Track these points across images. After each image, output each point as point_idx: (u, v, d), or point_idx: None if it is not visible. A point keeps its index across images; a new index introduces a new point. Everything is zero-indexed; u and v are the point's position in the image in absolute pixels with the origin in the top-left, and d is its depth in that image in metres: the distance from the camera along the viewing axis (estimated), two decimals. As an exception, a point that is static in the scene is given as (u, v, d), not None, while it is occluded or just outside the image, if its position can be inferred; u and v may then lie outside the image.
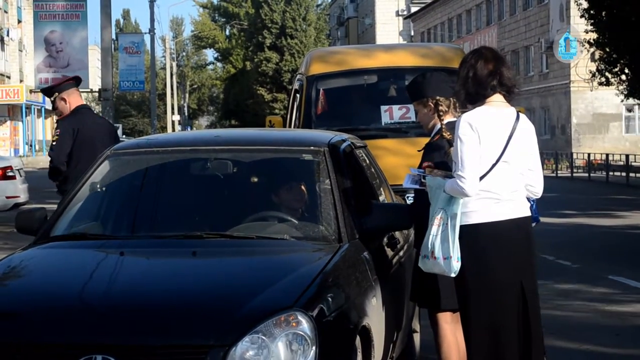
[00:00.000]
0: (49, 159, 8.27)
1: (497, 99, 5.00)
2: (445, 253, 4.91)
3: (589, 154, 37.02)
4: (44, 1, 36.91)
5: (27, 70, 62.06)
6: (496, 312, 4.94)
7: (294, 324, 4.07)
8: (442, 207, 4.96)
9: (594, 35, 27.67)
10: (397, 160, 9.10)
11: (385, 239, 5.56)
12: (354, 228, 5.15)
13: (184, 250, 4.92)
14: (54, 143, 8.14)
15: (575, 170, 37.22)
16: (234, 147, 5.76)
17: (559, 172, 38.37)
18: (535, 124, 43.75)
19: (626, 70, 26.85)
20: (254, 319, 4.05)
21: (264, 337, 4.01)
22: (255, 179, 5.70)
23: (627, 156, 33.28)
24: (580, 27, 35.48)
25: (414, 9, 75.27)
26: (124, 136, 63.28)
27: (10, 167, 17.26)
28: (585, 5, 27.16)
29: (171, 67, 76.21)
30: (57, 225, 5.34)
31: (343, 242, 5.01)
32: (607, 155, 34.59)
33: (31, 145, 61.53)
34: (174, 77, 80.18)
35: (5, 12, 60.80)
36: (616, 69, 27.21)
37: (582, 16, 28.01)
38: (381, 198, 6.17)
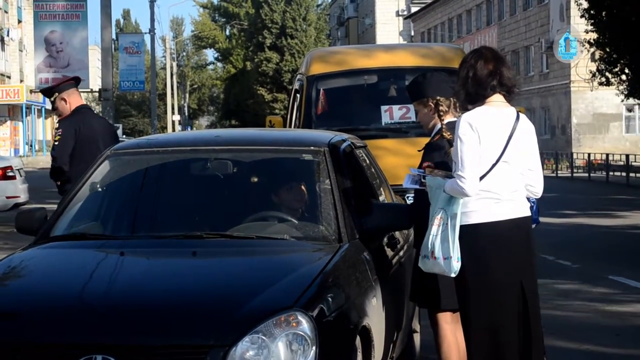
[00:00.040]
0: (51, 159, 8.27)
1: (497, 99, 5.00)
2: (445, 253, 4.91)
3: (589, 154, 37.03)
4: (44, 1, 36.91)
5: (28, 70, 62.08)
6: (496, 312, 4.94)
7: (294, 324, 4.07)
8: (442, 207, 4.96)
9: (594, 35, 27.68)
10: (397, 160, 9.10)
11: (385, 239, 5.56)
12: (354, 228, 5.15)
13: (184, 250, 4.92)
14: (56, 143, 8.15)
15: (575, 170, 37.22)
16: (234, 147, 5.76)
17: (559, 172, 38.38)
18: (536, 124, 43.75)
19: (626, 70, 26.85)
20: (254, 319, 4.05)
21: (264, 337, 4.01)
22: (256, 179, 5.70)
23: (627, 156, 33.28)
24: (580, 27, 35.48)
25: (414, 9, 75.27)
26: (124, 136, 63.32)
27: (10, 167, 17.26)
28: (585, 5, 27.16)
29: (171, 67, 76.22)
30: (57, 225, 5.35)
31: (343, 242, 5.01)
32: (607, 155, 34.59)
33: (31, 146, 61.54)
34: (174, 77, 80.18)
35: (6, 12, 60.81)
36: (616, 69, 27.22)
37: (582, 16, 28.02)
38: (381, 198, 6.17)
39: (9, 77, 60.63)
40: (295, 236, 5.09)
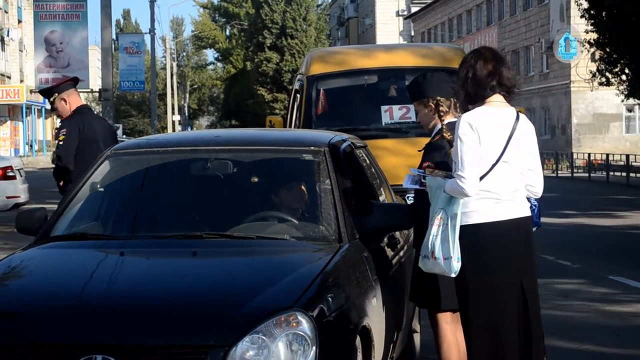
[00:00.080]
0: (56, 158, 8.27)
1: (497, 99, 5.00)
2: (445, 253, 4.91)
3: (589, 154, 37.03)
4: (44, 1, 36.91)
5: (28, 71, 62.08)
6: (496, 312, 4.94)
7: (294, 324, 4.07)
8: (442, 207, 4.96)
9: (594, 36, 27.68)
10: (397, 160, 9.10)
11: (385, 239, 5.56)
12: (354, 228, 5.15)
13: (184, 251, 4.92)
14: (60, 143, 8.17)
15: (575, 170, 37.22)
16: (234, 147, 5.76)
17: (559, 172, 38.37)
18: (536, 124, 43.77)
19: (626, 71, 26.85)
20: (254, 319, 4.05)
21: (264, 337, 4.01)
22: (256, 179, 5.70)
23: (627, 156, 33.27)
24: (580, 27, 35.49)
25: (414, 9, 75.27)
26: (124, 136, 63.32)
27: (10, 167, 17.26)
28: (585, 5, 27.16)
29: (171, 67, 76.22)
30: (58, 225, 5.35)
31: (343, 242, 5.01)
32: (608, 155, 34.59)
33: (31, 146, 61.55)
34: (174, 77, 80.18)
35: (6, 12, 60.82)
36: (616, 69, 27.22)
37: (582, 16, 28.02)
38: (381, 198, 6.17)
39: (9, 77, 60.63)
40: (295, 236, 5.09)
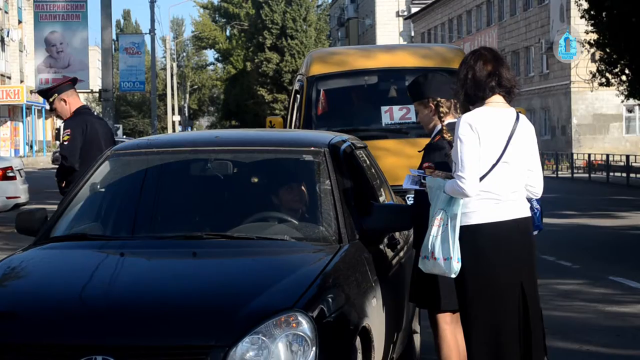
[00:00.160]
0: (62, 158, 8.27)
1: (496, 100, 5.00)
2: (445, 254, 4.91)
3: (589, 155, 37.04)
4: (45, 2, 36.94)
5: (28, 71, 62.07)
6: (496, 313, 4.94)
7: (294, 324, 4.07)
8: (442, 207, 4.96)
9: (594, 36, 27.67)
10: (397, 160, 9.11)
11: (385, 240, 5.56)
12: (354, 229, 5.15)
13: (184, 251, 4.92)
14: (65, 143, 8.18)
15: (575, 171, 37.23)
16: (234, 148, 5.76)
17: (559, 172, 38.38)
18: (536, 124, 43.80)
19: (626, 71, 26.85)
20: (254, 320, 4.06)
21: (264, 338, 4.02)
22: (256, 180, 5.70)
23: (627, 157, 33.28)
24: (580, 27, 35.51)
25: (414, 10, 75.27)
26: (124, 137, 63.30)
27: (10, 168, 17.25)
28: (585, 5, 27.16)
29: (171, 68, 76.22)
30: (58, 226, 5.35)
31: (343, 243, 5.01)
32: (608, 155, 34.60)
33: (31, 146, 61.55)
34: (175, 77, 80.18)
35: (6, 12, 60.82)
36: (616, 70, 27.21)
37: (582, 17, 28.02)
38: (381, 199, 6.17)
39: (9, 77, 60.63)
40: (295, 237, 5.09)
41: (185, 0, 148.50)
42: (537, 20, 50.25)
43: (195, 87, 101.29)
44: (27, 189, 17.64)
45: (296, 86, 11.61)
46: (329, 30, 78.81)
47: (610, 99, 41.89)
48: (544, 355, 5.14)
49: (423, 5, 72.79)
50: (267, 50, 70.26)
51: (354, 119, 10.56)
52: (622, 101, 32.86)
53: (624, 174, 32.74)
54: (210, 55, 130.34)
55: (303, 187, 5.44)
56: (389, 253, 5.60)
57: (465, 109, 5.04)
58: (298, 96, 11.08)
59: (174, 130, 68.29)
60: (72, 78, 8.83)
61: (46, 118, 64.53)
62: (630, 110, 45.81)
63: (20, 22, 63.71)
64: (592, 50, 29.50)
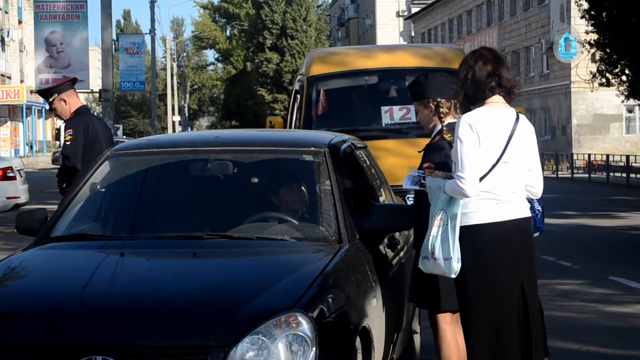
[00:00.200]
0: (64, 158, 8.28)
1: (496, 100, 5.00)
2: (445, 254, 4.91)
3: (589, 155, 37.04)
4: (45, 2, 36.94)
5: (28, 71, 62.09)
6: (497, 313, 4.94)
7: (294, 324, 4.07)
8: (442, 208, 4.96)
9: (594, 36, 27.67)
10: (397, 161, 9.11)
11: (385, 240, 5.56)
12: (355, 229, 5.15)
13: (184, 251, 4.92)
14: (68, 143, 8.19)
15: (575, 171, 37.23)
16: (234, 148, 5.76)
17: (559, 173, 38.38)
18: (536, 124, 43.82)
19: (627, 71, 26.84)
20: (254, 320, 4.06)
21: (264, 338, 4.02)
22: (256, 180, 5.70)
23: (627, 157, 33.29)
24: (580, 28, 35.50)
25: (414, 10, 75.28)
26: (124, 137, 63.30)
27: (10, 168, 17.26)
28: (585, 6, 27.15)
29: (172, 68, 76.21)
30: (58, 226, 5.35)
31: (343, 243, 5.01)
32: (608, 156, 34.61)
33: (31, 146, 61.56)
34: (175, 77, 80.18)
35: (6, 12, 60.83)
36: (617, 70, 27.20)
37: (582, 17, 28.01)
38: (381, 199, 6.17)
39: (9, 77, 60.64)
40: (295, 237, 5.09)
41: (186, 0, 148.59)
42: (537, 21, 50.26)
43: (196, 87, 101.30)
44: (27, 189, 17.65)
45: (296, 86, 11.61)
46: (329, 30, 78.82)
47: (610, 99, 41.89)
48: (545, 356, 5.14)
49: (423, 6, 72.80)
50: (267, 51, 70.27)
51: (354, 119, 10.56)
52: (622, 101, 32.85)
53: (624, 174, 32.74)
54: (210, 55, 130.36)
55: (303, 188, 5.44)
56: (389, 253, 5.60)
57: (465, 109, 5.03)
58: (298, 96, 11.08)
59: (174, 131, 68.29)
60: (72, 78, 8.85)
61: (46, 118, 64.54)
62: (630, 111, 45.81)
63: (20, 22, 63.73)
64: (592, 50, 29.48)
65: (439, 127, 5.70)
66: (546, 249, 12.74)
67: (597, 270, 11.70)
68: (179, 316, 4.13)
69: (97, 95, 35.23)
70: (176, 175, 5.77)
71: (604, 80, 27.93)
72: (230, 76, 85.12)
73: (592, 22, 26.98)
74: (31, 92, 52.84)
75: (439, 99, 5.71)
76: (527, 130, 5.02)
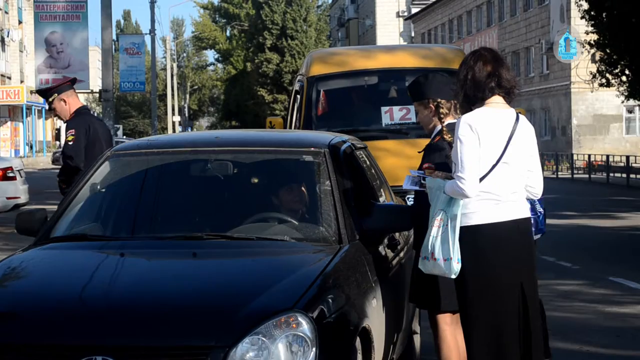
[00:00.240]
0: (67, 158, 8.28)
1: (496, 101, 5.00)
2: (445, 254, 4.91)
3: (589, 155, 37.04)
4: (45, 2, 36.92)
5: (28, 71, 62.09)
6: (497, 313, 4.94)
7: (294, 325, 4.07)
8: (442, 208, 4.95)
9: (594, 37, 27.67)
10: (397, 161, 9.11)
11: (385, 240, 5.56)
12: (355, 229, 5.15)
13: (184, 252, 4.92)
14: (70, 143, 8.20)
15: (575, 172, 37.23)
16: (234, 149, 5.76)
17: (559, 173, 38.38)
18: (536, 125, 43.82)
19: (627, 72, 26.84)
20: (254, 320, 4.06)
21: (264, 339, 4.02)
22: (256, 180, 5.70)
23: (627, 157, 33.29)
24: (580, 28, 35.50)
25: (414, 10, 75.29)
26: (124, 137, 63.31)
27: (10, 168, 17.26)
28: (585, 6, 27.15)
29: (172, 68, 76.21)
30: (58, 226, 5.35)
31: (343, 244, 5.01)
32: (608, 156, 34.61)
33: (31, 146, 61.55)
34: (175, 78, 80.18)
35: (6, 12, 60.83)
36: (617, 70, 27.20)
37: (582, 17, 28.01)
38: (381, 199, 6.17)
39: (9, 77, 60.64)
40: (295, 237, 5.09)
41: (186, 0, 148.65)
42: (537, 21, 50.26)
43: (196, 87, 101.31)
44: (27, 189, 17.65)
45: (296, 86, 11.61)
46: (329, 30, 78.82)
47: (610, 100, 41.90)
48: (546, 357, 5.14)
49: (423, 6, 72.81)
50: (267, 51, 70.27)
51: (354, 119, 10.56)
52: (622, 102, 32.87)
53: (624, 175, 32.74)
54: (210, 55, 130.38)
55: (303, 188, 5.44)
56: (389, 254, 5.60)
57: (465, 110, 5.03)
58: (298, 96, 11.08)
59: (174, 131, 68.30)
60: (72, 78, 8.85)
61: (46, 118, 64.53)
62: (630, 111, 45.82)
63: (20, 22, 63.73)
64: (592, 50, 29.48)
65: (439, 127, 5.70)
66: (546, 249, 12.74)
67: (597, 270, 11.70)
68: (179, 316, 4.13)
69: (97, 95, 35.26)
70: (176, 175, 5.77)
71: (604, 80, 27.93)
72: (230, 76, 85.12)
73: (592, 22, 26.98)
74: (31, 92, 52.85)
75: (439, 100, 5.71)
76: (527, 131, 5.02)
